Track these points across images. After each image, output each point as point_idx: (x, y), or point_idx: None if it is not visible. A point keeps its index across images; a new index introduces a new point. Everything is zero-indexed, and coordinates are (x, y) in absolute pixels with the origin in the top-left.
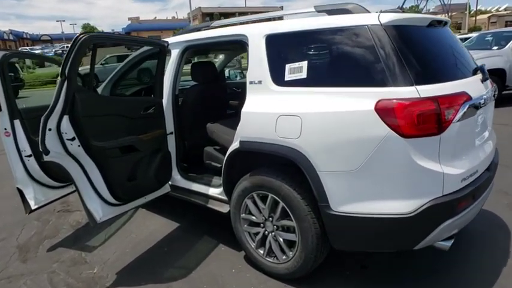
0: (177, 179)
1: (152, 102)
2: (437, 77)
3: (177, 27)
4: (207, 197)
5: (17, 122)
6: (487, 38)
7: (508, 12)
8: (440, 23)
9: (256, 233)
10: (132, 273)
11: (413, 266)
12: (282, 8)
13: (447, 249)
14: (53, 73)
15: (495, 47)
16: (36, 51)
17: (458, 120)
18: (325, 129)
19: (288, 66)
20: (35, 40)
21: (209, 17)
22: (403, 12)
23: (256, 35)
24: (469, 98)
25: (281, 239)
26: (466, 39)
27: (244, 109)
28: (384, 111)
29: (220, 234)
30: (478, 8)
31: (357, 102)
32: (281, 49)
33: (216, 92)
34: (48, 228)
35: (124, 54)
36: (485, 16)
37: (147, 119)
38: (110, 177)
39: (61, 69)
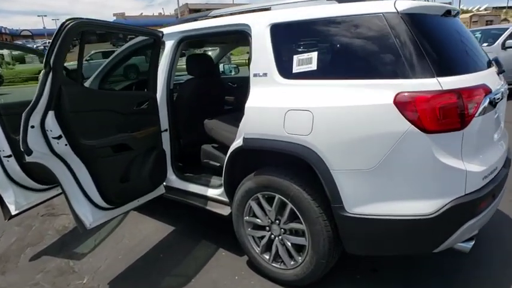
0: (172, 179)
1: (146, 97)
2: (458, 68)
3: (163, 24)
4: (206, 198)
5: None
6: (476, 35)
7: (488, 12)
8: (452, 12)
9: (261, 237)
10: (125, 282)
11: (423, 268)
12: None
13: (468, 251)
14: (34, 69)
15: (484, 44)
16: None
17: (479, 115)
18: (339, 125)
19: (295, 57)
20: (15, 35)
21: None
22: None
23: (260, 24)
24: (490, 90)
25: (289, 243)
26: None
27: (249, 104)
28: (404, 104)
29: (219, 238)
30: (460, 7)
31: (374, 95)
32: (288, 39)
33: (213, 86)
34: (31, 235)
35: (110, 50)
36: (467, 15)
37: (141, 115)
38: (101, 179)
39: (45, 59)
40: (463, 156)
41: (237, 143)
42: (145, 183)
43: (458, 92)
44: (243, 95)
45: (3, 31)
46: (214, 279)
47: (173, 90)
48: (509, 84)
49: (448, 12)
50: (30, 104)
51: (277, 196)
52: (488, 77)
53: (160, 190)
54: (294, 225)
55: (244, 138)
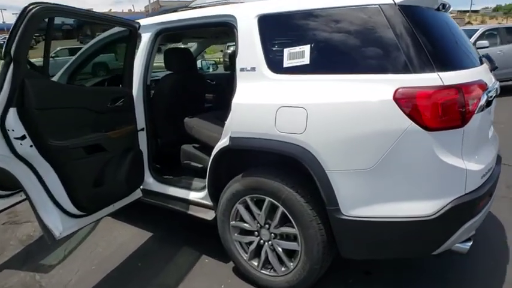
0: (150, 182)
1: (121, 93)
2: (456, 63)
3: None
4: (187, 202)
5: None
6: None
7: (454, 15)
8: (444, 7)
9: (250, 243)
10: None
11: (417, 271)
12: None
13: (466, 252)
14: None
15: None
16: None
17: (478, 111)
18: (335, 123)
19: (286, 50)
20: None
21: None
22: None
23: (246, 15)
24: (487, 87)
25: (280, 249)
26: None
27: (236, 100)
28: (404, 100)
29: (202, 243)
30: None
31: (372, 90)
32: (278, 32)
33: (193, 82)
34: None
35: (76, 47)
36: None
37: (115, 113)
38: (72, 184)
39: (4, 48)
40: (463, 154)
41: (223, 142)
42: (121, 187)
43: (460, 88)
44: (223, 92)
45: None
46: None
47: (150, 87)
48: None
49: (442, 6)
50: None
51: (267, 199)
52: (483, 74)
53: (137, 194)
54: (286, 229)
55: (230, 137)
